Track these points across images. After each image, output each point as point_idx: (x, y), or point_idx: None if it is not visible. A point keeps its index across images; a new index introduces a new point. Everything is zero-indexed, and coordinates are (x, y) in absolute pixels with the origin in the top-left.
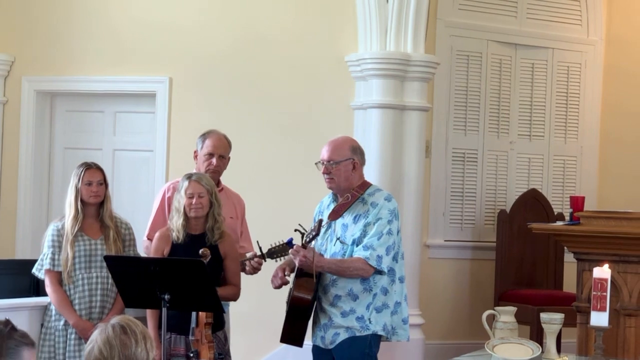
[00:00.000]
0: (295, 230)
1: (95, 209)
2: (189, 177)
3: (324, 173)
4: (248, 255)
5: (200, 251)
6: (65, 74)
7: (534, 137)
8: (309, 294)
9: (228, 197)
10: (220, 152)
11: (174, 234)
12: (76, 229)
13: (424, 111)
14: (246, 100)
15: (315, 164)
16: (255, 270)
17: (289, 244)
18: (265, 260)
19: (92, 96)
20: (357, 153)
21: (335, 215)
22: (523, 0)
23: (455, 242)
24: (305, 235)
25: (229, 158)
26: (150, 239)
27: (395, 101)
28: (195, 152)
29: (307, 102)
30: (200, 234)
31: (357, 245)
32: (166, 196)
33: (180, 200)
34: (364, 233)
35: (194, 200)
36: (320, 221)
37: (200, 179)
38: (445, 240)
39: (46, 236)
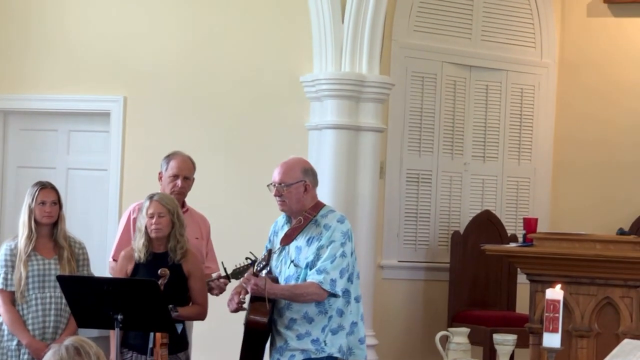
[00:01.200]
0: (246, 258)
1: (48, 228)
2: (150, 197)
3: (275, 195)
4: (213, 275)
5: (160, 271)
6: (18, 92)
7: (488, 158)
8: (264, 318)
9: (193, 218)
10: (184, 173)
11: (136, 254)
12: (30, 249)
13: (378, 132)
14: (201, 120)
15: (267, 186)
16: (221, 290)
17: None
18: (230, 281)
19: (45, 114)
20: (308, 175)
21: (287, 239)
22: (478, 22)
23: (409, 263)
24: (255, 264)
25: (194, 179)
26: (115, 259)
27: (350, 122)
28: (160, 173)
29: (261, 122)
30: (163, 252)
31: (310, 269)
32: (131, 217)
33: (142, 221)
34: (317, 256)
35: (154, 220)
36: (270, 251)
37: (162, 199)
38: (399, 261)
39: None
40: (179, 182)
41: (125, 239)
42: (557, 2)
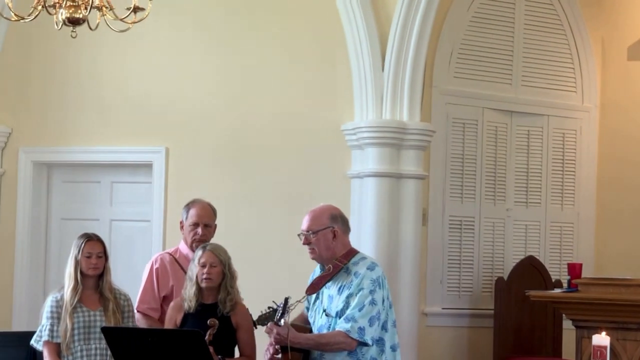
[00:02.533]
0: (269, 307)
1: (94, 280)
2: (204, 247)
3: (304, 244)
4: None
5: (209, 321)
6: (61, 145)
7: (531, 204)
8: None
9: None
10: (205, 220)
11: (185, 304)
12: (75, 300)
13: (420, 179)
14: (242, 170)
15: (298, 235)
16: None
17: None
18: (256, 327)
19: (88, 167)
20: (337, 221)
21: (313, 288)
22: (518, 68)
23: (453, 310)
24: (276, 312)
25: (215, 226)
26: (139, 311)
27: (392, 169)
28: (181, 222)
29: (303, 171)
30: (213, 303)
31: (340, 317)
32: (154, 267)
33: (193, 270)
34: (346, 305)
35: (205, 270)
36: (287, 299)
37: (215, 249)
38: (442, 308)
39: (45, 307)
40: (199, 230)
41: (149, 289)
42: (598, 45)
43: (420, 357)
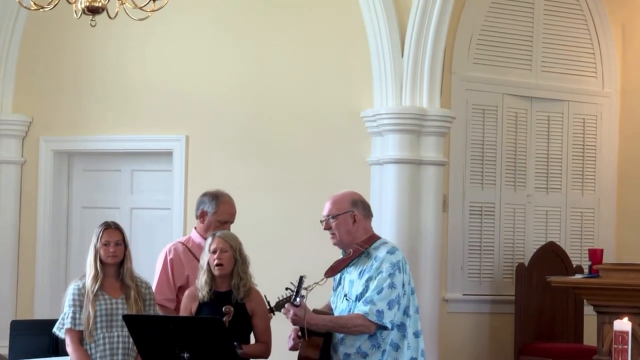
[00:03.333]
0: (286, 289)
1: (115, 268)
2: (213, 234)
3: (325, 229)
4: None
5: (224, 309)
6: (82, 134)
7: (551, 189)
8: (315, 353)
9: None
10: (234, 219)
11: (199, 293)
12: (96, 288)
13: (440, 165)
14: (262, 157)
15: (320, 221)
16: None
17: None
18: (274, 314)
19: (109, 155)
20: (357, 206)
21: (332, 271)
22: (538, 54)
23: (473, 296)
24: (292, 294)
25: None
26: (156, 302)
27: (412, 156)
28: (203, 211)
29: (323, 158)
30: (227, 291)
31: (359, 301)
32: (168, 258)
33: (204, 258)
34: (365, 288)
35: (216, 256)
36: (301, 278)
37: (225, 235)
38: (463, 295)
39: (67, 295)
40: (228, 227)
41: (164, 280)
42: (618, 30)
43: (441, 344)
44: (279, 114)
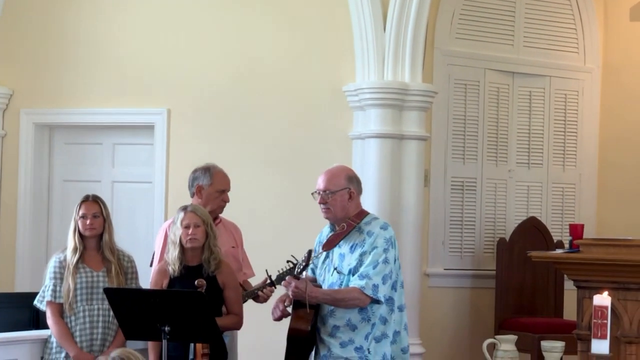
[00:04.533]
0: (288, 261)
1: (96, 241)
2: (184, 208)
3: (320, 203)
4: (258, 284)
5: (196, 282)
6: (63, 107)
7: (533, 164)
8: (306, 326)
9: (226, 227)
10: (230, 187)
11: (170, 268)
12: (75, 260)
13: (422, 140)
14: (244, 131)
15: (312, 194)
16: (267, 299)
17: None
18: (275, 288)
19: (90, 128)
20: (353, 182)
21: (329, 245)
22: (520, 29)
23: (454, 271)
24: (296, 267)
25: None
26: None
27: (394, 130)
28: (199, 186)
29: (304, 132)
30: (197, 265)
31: (353, 275)
32: (169, 234)
33: (176, 232)
34: (360, 262)
35: (190, 231)
36: (310, 252)
37: (196, 209)
38: (444, 269)
39: (48, 268)
40: (227, 196)
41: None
42: (600, 6)
43: (422, 318)
44: (261, 88)
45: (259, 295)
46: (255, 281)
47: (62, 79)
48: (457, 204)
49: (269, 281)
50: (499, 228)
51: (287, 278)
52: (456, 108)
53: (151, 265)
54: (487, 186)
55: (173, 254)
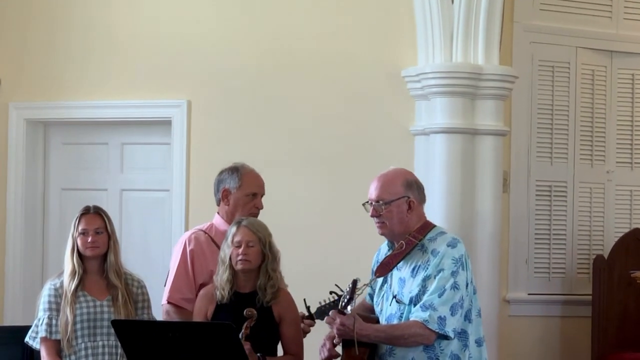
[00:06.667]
0: (331, 292)
1: (98, 262)
2: (238, 222)
3: (372, 216)
4: None
5: (245, 311)
6: (60, 99)
7: (637, 165)
8: None
9: None
10: (264, 190)
11: (218, 292)
12: (73, 287)
13: (500, 136)
14: (282, 127)
15: (363, 204)
16: (305, 333)
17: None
18: (314, 322)
19: (93, 125)
20: (413, 189)
21: (383, 269)
22: None
23: (541, 296)
24: (340, 300)
25: None
26: (170, 302)
27: (465, 124)
28: (225, 190)
29: (356, 127)
30: (251, 292)
31: (415, 305)
32: (188, 249)
33: (226, 250)
34: (422, 289)
35: (241, 250)
36: (355, 282)
37: (252, 224)
38: (529, 294)
39: (41, 297)
40: (260, 201)
41: (183, 276)
42: None
43: (502, 353)
44: (301, 75)
45: None
46: None
47: (59, 66)
48: (543, 214)
49: (307, 314)
50: (596, 243)
51: (330, 313)
52: (542, 96)
53: (165, 285)
54: (581, 191)
55: (222, 276)
